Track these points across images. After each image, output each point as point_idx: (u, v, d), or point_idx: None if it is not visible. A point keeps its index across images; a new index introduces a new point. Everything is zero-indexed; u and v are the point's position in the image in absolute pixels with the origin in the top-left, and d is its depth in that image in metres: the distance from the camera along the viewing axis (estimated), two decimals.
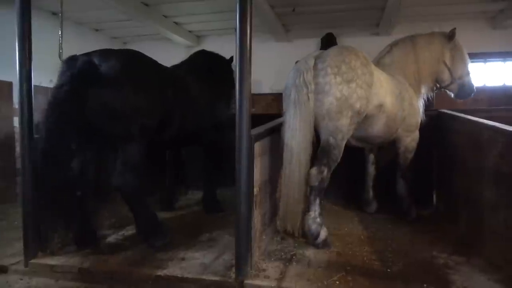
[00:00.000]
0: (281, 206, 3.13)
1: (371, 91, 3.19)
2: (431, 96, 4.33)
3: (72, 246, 3.22)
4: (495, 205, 2.88)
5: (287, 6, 5.89)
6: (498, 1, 6.07)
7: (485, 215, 3.05)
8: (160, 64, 3.58)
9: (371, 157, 4.37)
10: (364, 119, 3.29)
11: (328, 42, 7.12)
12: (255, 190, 2.74)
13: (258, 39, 7.83)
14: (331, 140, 3.14)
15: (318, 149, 3.18)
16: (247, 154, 2.58)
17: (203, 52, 4.65)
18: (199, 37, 8.07)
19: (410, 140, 3.95)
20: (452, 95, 4.31)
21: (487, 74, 7.50)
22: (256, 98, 7.03)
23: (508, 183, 2.66)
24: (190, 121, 3.80)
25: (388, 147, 4.13)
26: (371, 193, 4.37)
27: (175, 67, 4.29)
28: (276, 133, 3.35)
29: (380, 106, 3.35)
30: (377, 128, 3.49)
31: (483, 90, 7.39)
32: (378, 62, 3.92)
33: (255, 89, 6.98)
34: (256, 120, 3.85)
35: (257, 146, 2.79)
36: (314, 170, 3.09)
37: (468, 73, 4.17)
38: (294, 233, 3.20)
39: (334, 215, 4.23)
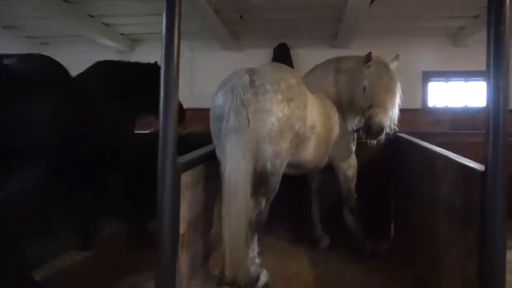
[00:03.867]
0: (227, 253, 3.01)
1: (306, 112, 3.28)
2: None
3: None
4: (449, 240, 3.01)
5: (235, 12, 5.97)
6: (457, 18, 6.55)
7: (440, 251, 3.17)
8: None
9: (314, 185, 4.47)
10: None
11: (281, 53, 7.32)
12: (182, 228, 2.66)
13: (202, 47, 7.96)
14: (269, 166, 3.13)
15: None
16: (171, 187, 2.50)
17: (106, 62, 4.57)
18: (133, 41, 7.95)
19: (347, 167, 4.07)
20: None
21: (449, 94, 8.02)
22: (199, 114, 6.96)
23: (460, 217, 2.78)
24: (97, 139, 3.76)
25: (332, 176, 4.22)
26: (319, 227, 4.44)
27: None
28: (213, 159, 3.30)
29: (313, 127, 3.45)
30: (309, 151, 3.56)
31: (445, 111, 7.93)
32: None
33: (197, 103, 7.02)
34: (196, 140, 3.83)
35: (186, 177, 2.72)
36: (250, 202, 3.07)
37: (374, 107, 3.65)
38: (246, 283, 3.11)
39: (280, 253, 4.21)
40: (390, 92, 3.76)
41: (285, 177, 3.35)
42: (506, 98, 2.29)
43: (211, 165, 3.28)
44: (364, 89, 3.74)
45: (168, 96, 2.52)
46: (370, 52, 3.82)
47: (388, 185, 4.87)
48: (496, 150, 2.27)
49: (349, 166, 4.08)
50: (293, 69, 5.97)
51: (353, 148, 4.14)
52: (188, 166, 2.81)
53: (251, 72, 3.21)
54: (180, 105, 5.23)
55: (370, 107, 3.67)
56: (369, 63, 3.78)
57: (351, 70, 3.97)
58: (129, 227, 4.48)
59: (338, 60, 4.14)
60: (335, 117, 3.86)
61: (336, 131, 3.85)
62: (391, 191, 4.88)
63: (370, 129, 3.63)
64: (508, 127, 2.31)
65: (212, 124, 3.30)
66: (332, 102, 3.94)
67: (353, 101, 3.92)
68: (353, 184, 4.12)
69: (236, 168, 2.97)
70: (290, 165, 3.48)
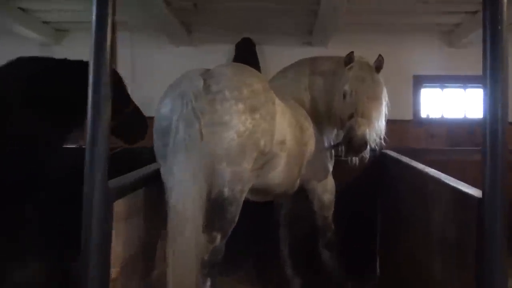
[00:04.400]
0: None
1: (274, 124, 3.28)
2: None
3: None
4: (442, 278, 3.06)
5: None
6: (453, 13, 6.81)
7: None
8: None
9: (282, 213, 4.50)
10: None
11: (245, 50, 7.40)
12: (114, 271, 2.59)
13: (146, 41, 7.91)
14: (227, 192, 3.09)
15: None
16: (100, 219, 2.43)
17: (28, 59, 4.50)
18: (58, 32, 7.85)
19: (323, 190, 4.11)
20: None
21: (445, 102, 8.29)
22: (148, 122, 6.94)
23: (454, 252, 2.84)
24: (10, 157, 3.73)
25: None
26: (289, 265, 4.45)
27: None
28: (155, 183, 3.26)
29: (282, 143, 3.44)
30: (278, 172, 3.55)
31: (440, 123, 8.18)
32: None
33: (146, 111, 6.91)
34: (135, 158, 3.78)
35: (120, 206, 2.66)
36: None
37: (356, 116, 3.71)
38: None
39: None
40: (375, 99, 3.83)
41: (247, 203, 3.33)
42: (506, 109, 2.35)
43: (154, 190, 3.24)
44: (345, 96, 3.80)
45: (98, 102, 2.45)
46: (352, 52, 3.89)
47: (373, 213, 4.95)
48: (495, 171, 2.33)
49: (325, 190, 4.11)
50: (259, 71, 6.04)
51: (330, 167, 4.18)
52: (123, 191, 2.75)
53: (207, 74, 3.18)
54: (140, 115, 5.15)
55: (351, 116, 3.73)
56: (350, 65, 3.85)
57: (329, 72, 4.04)
58: (47, 269, 4.34)
59: (314, 60, 4.22)
60: (310, 129, 3.90)
61: (310, 146, 3.88)
62: (376, 220, 4.96)
63: (351, 142, 3.67)
64: (508, 143, 2.38)
65: (156, 139, 3.24)
66: (305, 112, 3.99)
67: (331, 109, 3.99)
68: (330, 212, 4.16)
69: (184, 194, 2.92)
70: (253, 190, 3.46)
